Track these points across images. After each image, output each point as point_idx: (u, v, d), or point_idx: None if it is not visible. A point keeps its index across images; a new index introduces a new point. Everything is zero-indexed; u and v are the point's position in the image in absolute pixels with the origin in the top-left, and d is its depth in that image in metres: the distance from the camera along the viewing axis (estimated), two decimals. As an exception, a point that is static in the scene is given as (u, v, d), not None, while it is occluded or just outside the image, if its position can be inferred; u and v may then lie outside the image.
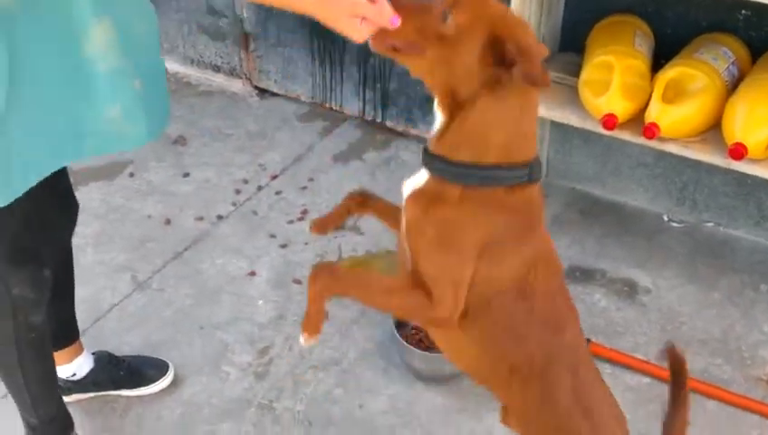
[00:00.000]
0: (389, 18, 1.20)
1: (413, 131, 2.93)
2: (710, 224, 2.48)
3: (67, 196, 1.68)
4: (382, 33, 1.22)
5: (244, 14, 3.09)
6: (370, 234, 2.48)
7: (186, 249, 2.43)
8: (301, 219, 2.54)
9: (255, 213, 2.58)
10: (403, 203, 1.33)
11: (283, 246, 2.45)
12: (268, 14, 3.04)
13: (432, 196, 1.27)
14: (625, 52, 2.14)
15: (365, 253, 2.41)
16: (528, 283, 1.31)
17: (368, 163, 2.82)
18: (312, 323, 1.34)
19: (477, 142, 1.25)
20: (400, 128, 2.95)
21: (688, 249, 2.41)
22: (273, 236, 2.48)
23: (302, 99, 3.13)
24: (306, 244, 2.45)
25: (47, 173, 1.44)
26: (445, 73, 1.23)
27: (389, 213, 1.50)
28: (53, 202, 1.61)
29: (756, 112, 1.96)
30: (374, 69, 2.91)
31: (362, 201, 1.53)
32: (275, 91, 3.19)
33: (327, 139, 2.94)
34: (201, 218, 2.55)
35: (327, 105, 3.08)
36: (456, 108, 1.25)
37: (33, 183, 1.41)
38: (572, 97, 2.22)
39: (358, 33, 1.20)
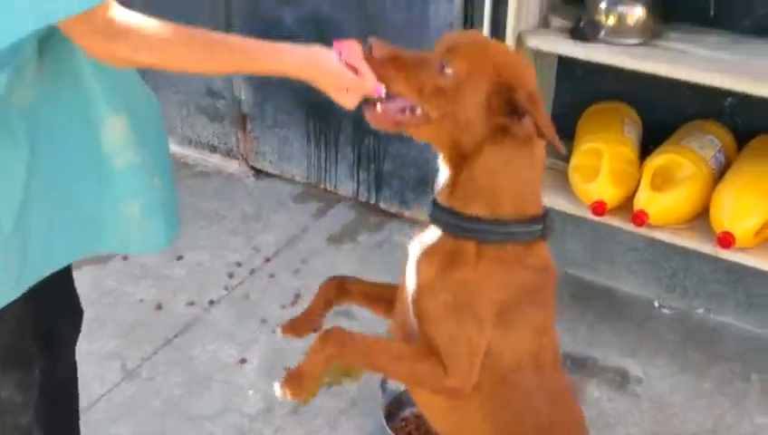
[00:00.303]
0: (374, 89, 1.23)
1: (406, 214, 2.95)
2: (700, 310, 2.47)
3: (70, 301, 1.66)
4: (381, 111, 1.24)
5: (242, 96, 3.15)
6: (363, 319, 2.47)
7: (176, 335, 2.43)
8: (293, 304, 2.54)
9: (247, 297, 2.58)
10: (411, 264, 1.27)
11: (275, 333, 2.44)
12: (265, 95, 3.10)
13: (447, 255, 1.23)
14: (614, 138, 2.18)
15: (356, 338, 2.40)
16: (541, 352, 1.27)
17: (361, 245, 2.83)
18: (302, 384, 1.24)
19: (489, 194, 1.22)
20: (394, 210, 2.98)
21: (679, 337, 2.39)
22: (264, 321, 2.48)
23: (298, 179, 3.17)
24: (297, 329, 2.44)
25: (61, 265, 1.43)
26: (450, 129, 1.21)
27: (376, 295, 1.44)
28: (54, 306, 1.59)
29: (743, 201, 1.98)
30: (368, 150, 2.95)
31: (341, 287, 1.45)
32: (271, 171, 3.23)
33: (321, 220, 2.97)
34: (192, 303, 2.55)
35: (322, 186, 3.12)
36: (461, 160, 1.22)
37: (45, 274, 1.40)
38: (563, 182, 2.24)
39: (346, 101, 1.26)
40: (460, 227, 1.23)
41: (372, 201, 3.02)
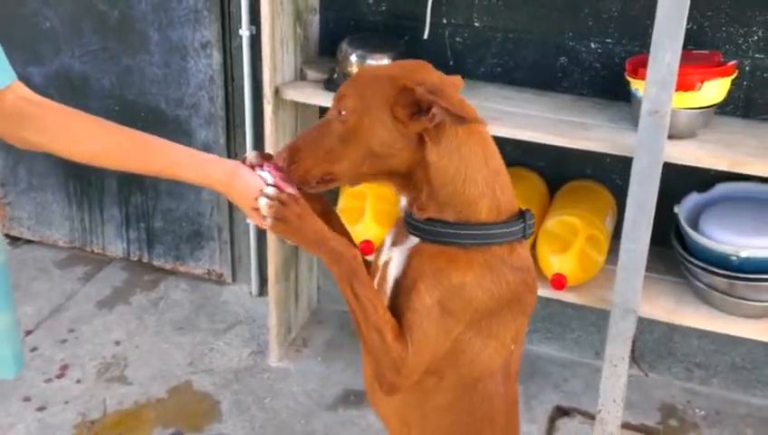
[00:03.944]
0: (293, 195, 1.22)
1: (182, 268, 2.88)
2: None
3: None
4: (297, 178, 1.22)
5: (-9, 160, 2.93)
6: (138, 383, 2.37)
7: None
8: (60, 376, 2.37)
9: (7, 376, 2.36)
10: (401, 255, 1.23)
11: (41, 409, 2.26)
12: (18, 158, 2.91)
13: (439, 257, 1.19)
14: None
15: (133, 403, 2.29)
16: (511, 361, 1.27)
17: (134, 306, 2.72)
18: (285, 223, 1.19)
19: (456, 199, 1.18)
20: (169, 266, 2.90)
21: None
22: (27, 399, 2.29)
23: (61, 244, 2.98)
24: (67, 403, 2.28)
25: None
26: (378, 164, 1.18)
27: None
28: None
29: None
30: (137, 208, 2.86)
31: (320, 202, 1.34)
32: (29, 238, 3.01)
33: (89, 284, 2.81)
34: (-59, 390, 2.29)
35: (88, 248, 2.96)
36: (412, 181, 1.19)
37: None
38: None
39: (257, 219, 1.23)
40: (441, 234, 1.20)
41: (145, 259, 2.92)
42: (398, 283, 1.24)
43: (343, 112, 1.19)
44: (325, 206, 1.35)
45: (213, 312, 2.70)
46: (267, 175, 1.24)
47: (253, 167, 1.27)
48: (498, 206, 1.21)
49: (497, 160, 1.23)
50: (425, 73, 1.21)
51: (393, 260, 1.26)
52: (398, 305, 1.22)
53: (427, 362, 1.21)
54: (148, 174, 1.27)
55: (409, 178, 1.21)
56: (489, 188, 1.20)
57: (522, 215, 1.24)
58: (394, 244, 1.28)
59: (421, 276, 1.19)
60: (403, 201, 1.25)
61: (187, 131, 2.66)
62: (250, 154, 1.29)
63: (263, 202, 1.20)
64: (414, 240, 1.24)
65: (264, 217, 1.21)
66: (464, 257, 1.19)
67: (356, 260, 1.19)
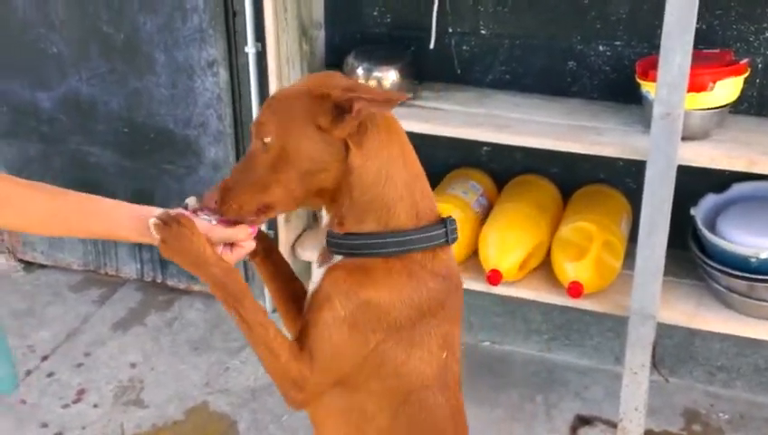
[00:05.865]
0: (249, 233, 1.21)
1: (196, 288, 2.87)
2: (486, 343, 2.63)
3: None
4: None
5: (2, 186, 2.93)
6: (155, 406, 2.36)
7: (-59, 458, 2.17)
8: (77, 401, 2.36)
9: (24, 402, 2.36)
10: (317, 276, 1.22)
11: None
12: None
13: (355, 272, 1.17)
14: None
15: (151, 426, 2.28)
16: (446, 371, 1.23)
17: (150, 327, 2.71)
18: (171, 243, 1.14)
19: (376, 206, 1.17)
20: (183, 285, 2.89)
21: (469, 370, 2.51)
22: (45, 425, 2.28)
23: (75, 267, 2.98)
24: (84, 428, 2.27)
25: None
26: (312, 180, 1.17)
27: (288, 290, 1.35)
28: None
29: (506, 239, 2.14)
30: (149, 229, 2.85)
31: (270, 250, 1.35)
32: (43, 262, 3.01)
33: (104, 307, 2.80)
34: (-41, 419, 2.29)
35: (102, 271, 2.96)
36: (335, 196, 1.18)
37: None
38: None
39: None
40: (360, 247, 1.17)
41: (159, 279, 2.91)
42: (312, 298, 1.21)
43: (266, 140, 1.16)
44: (268, 246, 1.34)
45: (227, 330, 2.69)
46: (207, 218, 1.20)
47: (195, 211, 1.21)
48: (417, 211, 1.20)
49: (416, 165, 1.23)
50: (336, 79, 1.21)
51: (313, 278, 1.25)
52: (307, 319, 1.19)
53: (337, 376, 1.18)
54: (91, 238, 1.23)
55: (336, 191, 1.19)
56: (408, 192, 1.19)
57: (443, 221, 1.22)
58: (320, 264, 1.26)
59: (335, 291, 1.17)
60: (325, 219, 1.23)
61: (196, 151, 2.65)
62: (190, 199, 1.24)
63: (151, 222, 1.15)
64: (337, 258, 1.22)
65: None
66: (382, 268, 1.17)
67: (236, 284, 1.16)
